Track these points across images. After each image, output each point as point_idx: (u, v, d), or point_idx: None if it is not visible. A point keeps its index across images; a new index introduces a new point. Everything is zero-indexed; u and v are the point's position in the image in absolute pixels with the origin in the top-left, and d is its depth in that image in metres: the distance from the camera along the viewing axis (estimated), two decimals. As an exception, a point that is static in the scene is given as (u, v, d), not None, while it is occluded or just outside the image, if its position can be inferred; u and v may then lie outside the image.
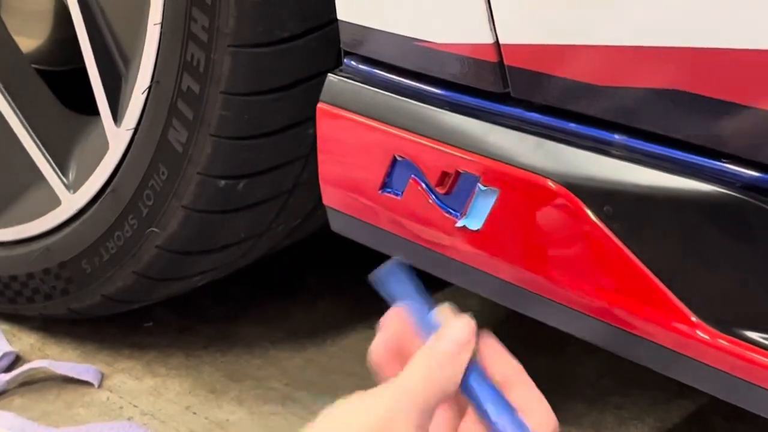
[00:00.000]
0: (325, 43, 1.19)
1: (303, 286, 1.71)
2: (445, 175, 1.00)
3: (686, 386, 1.42)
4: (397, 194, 1.05)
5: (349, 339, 1.59)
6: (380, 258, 1.57)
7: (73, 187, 1.41)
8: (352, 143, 1.06)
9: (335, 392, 1.44)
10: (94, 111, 1.37)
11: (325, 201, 1.13)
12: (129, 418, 1.42)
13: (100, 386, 1.49)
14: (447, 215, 1.00)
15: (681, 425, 1.39)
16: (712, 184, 0.87)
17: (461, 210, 1.00)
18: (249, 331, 1.60)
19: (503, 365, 0.83)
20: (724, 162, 0.87)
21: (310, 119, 1.23)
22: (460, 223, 1.00)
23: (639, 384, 1.44)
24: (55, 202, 1.43)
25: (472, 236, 1.00)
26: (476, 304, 1.63)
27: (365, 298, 1.66)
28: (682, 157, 0.88)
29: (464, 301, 1.61)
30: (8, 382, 1.47)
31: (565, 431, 1.38)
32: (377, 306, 1.63)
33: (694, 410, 1.41)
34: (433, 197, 1.01)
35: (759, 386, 0.88)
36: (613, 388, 1.45)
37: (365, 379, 1.47)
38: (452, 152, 0.99)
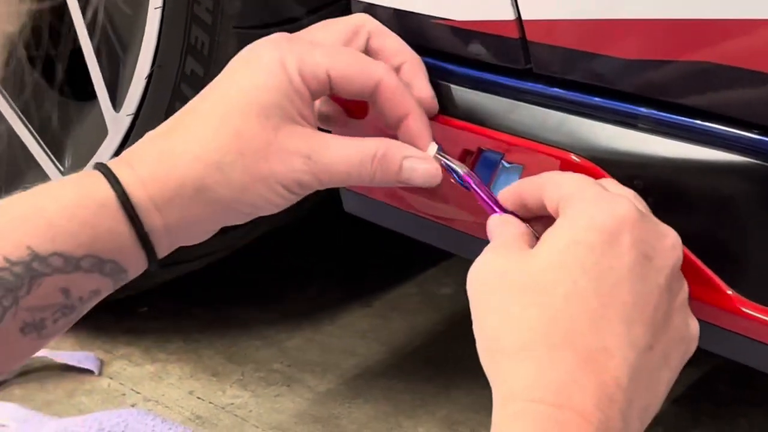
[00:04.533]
0: (329, 23, 1.18)
1: (295, 267, 1.70)
2: (466, 152, 0.99)
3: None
4: (415, 173, 1.04)
5: (346, 317, 1.59)
6: (368, 239, 1.57)
7: (69, 174, 1.39)
8: (368, 123, 1.05)
9: (338, 372, 1.45)
10: (89, 96, 1.35)
11: (339, 182, 1.12)
12: (133, 405, 1.41)
13: (100, 374, 1.48)
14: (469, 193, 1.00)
15: (687, 393, 1.40)
16: (743, 156, 0.87)
17: (467, 186, 0.99)
18: (245, 313, 1.60)
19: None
20: (755, 133, 0.87)
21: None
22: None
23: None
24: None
25: (495, 213, 0.99)
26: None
27: (358, 277, 1.67)
28: (712, 130, 0.88)
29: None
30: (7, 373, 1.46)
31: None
32: (371, 285, 1.64)
33: (699, 377, 1.42)
34: (455, 176, 1.00)
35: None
36: (615, 359, 1.45)
37: (365, 357, 1.48)
38: (474, 130, 0.99)
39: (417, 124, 0.92)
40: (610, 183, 0.86)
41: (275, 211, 0.91)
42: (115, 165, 0.87)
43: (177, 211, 0.87)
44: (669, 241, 0.79)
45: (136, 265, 0.89)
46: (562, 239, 0.77)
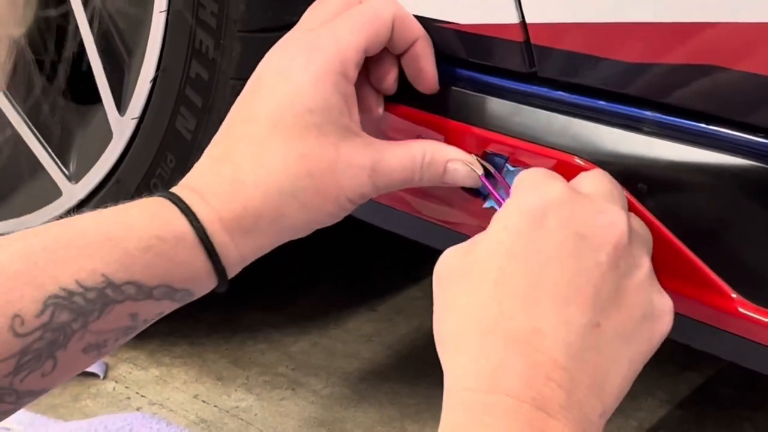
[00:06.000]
0: (334, 27, 1.18)
1: (301, 271, 1.70)
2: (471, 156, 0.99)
3: (693, 358, 1.43)
4: (420, 177, 1.04)
5: (352, 321, 1.59)
6: (373, 242, 1.57)
7: (74, 177, 1.39)
8: (372, 126, 1.05)
9: (343, 375, 1.45)
10: (94, 100, 1.35)
11: (344, 185, 1.12)
12: (138, 409, 1.41)
13: (105, 377, 1.48)
14: (473, 196, 1.00)
15: (690, 397, 1.39)
16: (748, 159, 0.87)
17: (488, 191, 0.99)
18: (250, 317, 1.60)
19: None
20: (760, 136, 0.87)
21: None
22: (487, 204, 0.99)
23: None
24: (55, 193, 1.41)
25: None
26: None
27: (363, 281, 1.67)
28: (717, 133, 0.88)
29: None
30: (11, 376, 1.46)
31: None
32: (376, 288, 1.64)
33: (702, 382, 1.42)
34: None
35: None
36: (620, 363, 1.45)
37: (372, 361, 1.48)
38: (478, 133, 0.99)
39: (425, 47, 0.96)
40: (585, 177, 0.87)
41: (333, 223, 0.93)
42: (187, 197, 0.88)
43: (253, 242, 0.90)
44: (606, 218, 0.79)
45: (204, 290, 0.90)
46: (494, 226, 0.79)
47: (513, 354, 0.73)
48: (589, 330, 0.75)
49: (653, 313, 0.80)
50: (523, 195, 0.80)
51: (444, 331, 0.77)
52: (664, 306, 0.81)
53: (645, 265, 0.81)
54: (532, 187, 0.81)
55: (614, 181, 0.88)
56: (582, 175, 0.88)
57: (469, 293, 0.77)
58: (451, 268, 0.80)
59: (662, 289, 0.82)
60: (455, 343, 0.76)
